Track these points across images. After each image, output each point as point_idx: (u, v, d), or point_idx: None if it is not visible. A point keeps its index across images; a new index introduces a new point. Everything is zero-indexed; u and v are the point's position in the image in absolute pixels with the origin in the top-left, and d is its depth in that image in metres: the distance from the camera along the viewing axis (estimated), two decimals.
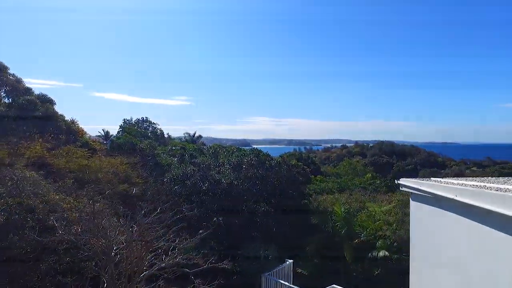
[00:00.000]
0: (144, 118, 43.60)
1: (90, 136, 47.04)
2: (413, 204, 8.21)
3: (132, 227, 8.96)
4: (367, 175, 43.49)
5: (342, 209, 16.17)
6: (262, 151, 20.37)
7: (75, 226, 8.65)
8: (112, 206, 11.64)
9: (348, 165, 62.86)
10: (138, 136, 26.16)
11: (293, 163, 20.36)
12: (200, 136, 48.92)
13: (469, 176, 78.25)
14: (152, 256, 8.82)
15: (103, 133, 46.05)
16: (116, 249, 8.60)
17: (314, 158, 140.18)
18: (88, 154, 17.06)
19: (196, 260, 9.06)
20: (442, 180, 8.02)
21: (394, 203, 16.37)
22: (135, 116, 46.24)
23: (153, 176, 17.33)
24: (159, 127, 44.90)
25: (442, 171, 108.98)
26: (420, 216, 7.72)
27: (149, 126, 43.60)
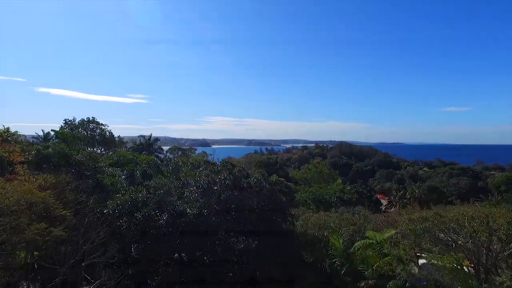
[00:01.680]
0: (91, 119, 37.31)
1: (25, 137, 39.31)
2: None
3: None
4: (337, 181, 41.29)
5: (341, 241, 12.68)
6: (236, 165, 16.39)
7: None
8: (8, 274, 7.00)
9: (314, 169, 60.95)
10: (77, 142, 20.75)
11: (273, 179, 16.56)
12: (156, 139, 43.50)
13: (423, 176, 79.19)
14: None
15: (41, 134, 38.76)
16: None
17: (277, 159, 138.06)
18: None
19: None
20: None
21: (402, 228, 13.25)
22: (85, 114, 39.86)
23: (90, 202, 12.56)
24: (108, 128, 38.91)
25: (397, 171, 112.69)
26: None
27: (96, 127, 37.44)
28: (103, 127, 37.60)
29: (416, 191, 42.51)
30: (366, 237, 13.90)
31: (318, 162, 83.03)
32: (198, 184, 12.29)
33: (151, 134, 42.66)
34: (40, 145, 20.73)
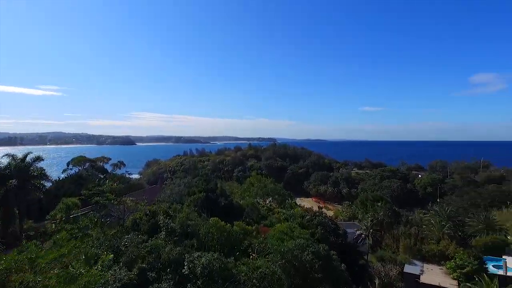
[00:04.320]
0: None
1: None
2: None
3: None
4: (296, 209, 32.33)
5: None
6: None
7: None
8: None
9: (257, 183, 51.79)
10: None
11: None
12: (38, 158, 28.20)
13: (356, 178, 75.91)
14: None
15: None
16: None
17: (207, 162, 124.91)
18: None
19: None
20: None
21: None
22: None
23: None
24: None
25: (331, 173, 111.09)
26: None
27: None
28: None
29: (380, 213, 36.18)
30: None
31: (256, 173, 74.33)
32: None
33: (26, 154, 27.48)
34: None
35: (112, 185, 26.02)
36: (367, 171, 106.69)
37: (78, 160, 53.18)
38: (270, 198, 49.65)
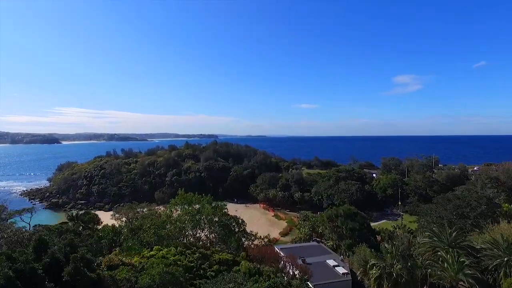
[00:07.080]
0: None
1: None
2: None
3: None
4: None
5: None
6: None
7: None
8: None
9: (188, 209, 33.15)
10: None
11: None
12: None
13: (308, 180, 59.00)
14: None
15: None
16: None
17: (134, 164, 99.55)
18: None
19: None
20: None
21: None
22: None
23: None
24: None
25: (280, 175, 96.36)
26: None
27: None
28: None
29: (397, 266, 20.97)
30: None
31: (198, 195, 55.73)
32: None
33: None
34: None
35: None
36: (318, 170, 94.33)
37: None
38: (207, 229, 31.72)
